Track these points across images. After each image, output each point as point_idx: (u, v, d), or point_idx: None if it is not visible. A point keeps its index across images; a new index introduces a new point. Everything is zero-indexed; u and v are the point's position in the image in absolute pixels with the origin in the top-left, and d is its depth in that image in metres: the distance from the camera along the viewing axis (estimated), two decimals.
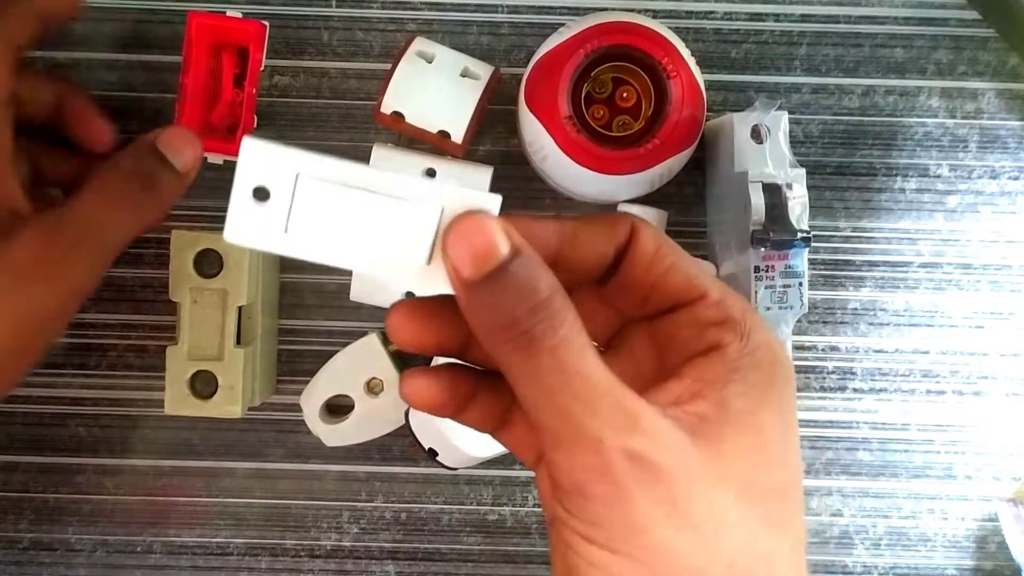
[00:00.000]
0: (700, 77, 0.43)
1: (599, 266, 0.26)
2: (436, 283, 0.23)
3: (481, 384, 0.27)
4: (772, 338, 0.25)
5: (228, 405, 0.44)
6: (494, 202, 0.23)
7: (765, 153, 0.44)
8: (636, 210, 0.47)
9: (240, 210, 0.23)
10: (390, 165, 0.47)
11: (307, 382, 0.49)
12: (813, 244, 0.45)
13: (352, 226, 0.23)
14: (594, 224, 0.26)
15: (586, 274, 0.26)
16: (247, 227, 0.23)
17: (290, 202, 0.23)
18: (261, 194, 0.23)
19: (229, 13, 0.44)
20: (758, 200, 0.43)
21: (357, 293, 0.48)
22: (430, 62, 0.45)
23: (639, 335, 0.27)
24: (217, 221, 0.49)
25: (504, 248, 0.22)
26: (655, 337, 0.27)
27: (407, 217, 0.23)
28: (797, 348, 0.50)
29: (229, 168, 0.47)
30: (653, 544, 0.22)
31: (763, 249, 0.43)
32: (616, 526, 0.22)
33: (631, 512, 0.22)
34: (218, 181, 0.49)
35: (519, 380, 0.23)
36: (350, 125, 0.49)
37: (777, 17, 0.50)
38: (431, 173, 0.47)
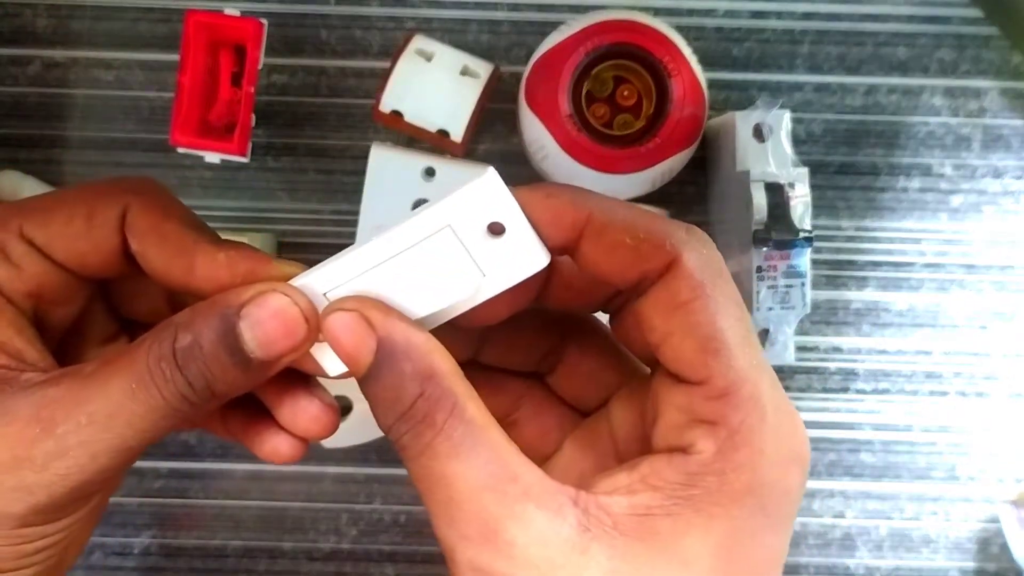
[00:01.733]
0: (702, 75, 0.43)
1: (623, 283, 0.23)
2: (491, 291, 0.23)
3: (480, 382, 0.24)
4: (768, 460, 0.21)
5: None
6: (491, 179, 0.22)
7: (767, 152, 0.43)
8: None
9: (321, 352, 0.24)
10: (389, 164, 0.47)
11: None
12: (815, 244, 0.44)
13: (399, 291, 0.22)
14: (614, 235, 0.22)
15: (612, 284, 0.23)
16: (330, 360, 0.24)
17: None
18: None
19: (227, 11, 0.44)
20: (760, 199, 0.42)
21: None
22: (429, 60, 0.45)
23: (650, 389, 0.24)
24: (214, 221, 0.48)
25: (366, 354, 0.22)
26: (653, 402, 0.23)
27: (432, 254, 0.22)
28: (799, 349, 0.49)
29: (228, 168, 0.46)
30: None
31: (765, 249, 0.43)
32: None
33: None
34: (217, 180, 0.49)
35: (413, 461, 0.22)
36: (349, 124, 0.49)
37: (779, 15, 0.49)
38: (430, 172, 0.47)
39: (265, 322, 0.22)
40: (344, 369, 0.24)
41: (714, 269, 0.21)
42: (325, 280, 0.23)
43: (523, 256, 0.22)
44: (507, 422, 0.27)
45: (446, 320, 0.23)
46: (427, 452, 0.21)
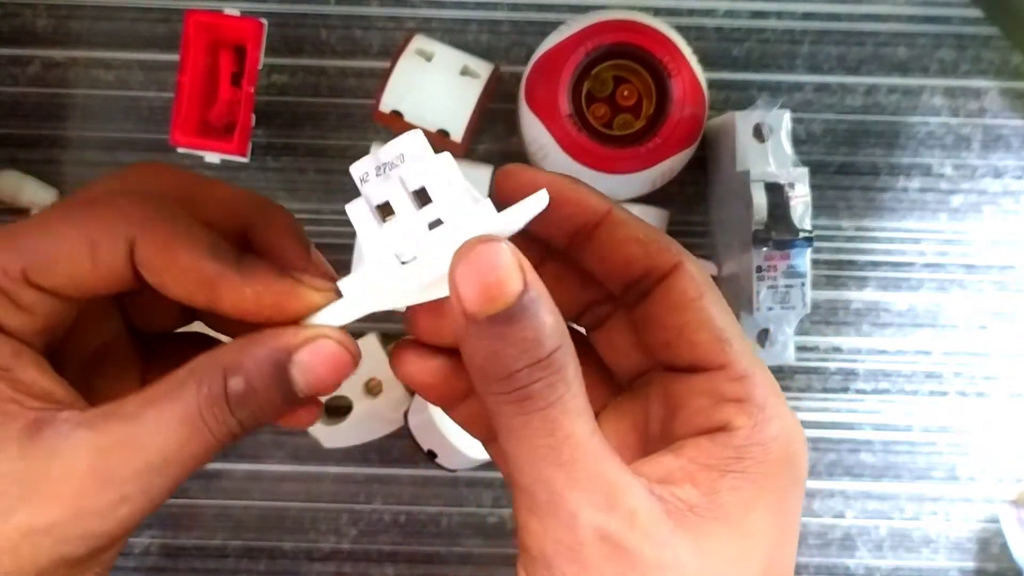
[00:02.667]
0: (702, 75, 0.43)
1: (626, 276, 0.24)
2: (435, 293, 0.23)
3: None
4: (793, 431, 0.23)
5: None
6: (487, 209, 0.22)
7: (767, 152, 0.43)
8: (637, 210, 0.47)
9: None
10: None
11: None
12: (815, 244, 0.44)
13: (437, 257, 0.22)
14: (629, 230, 0.24)
15: (613, 276, 0.24)
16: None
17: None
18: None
19: (227, 11, 0.44)
20: (760, 199, 0.42)
21: None
22: (429, 60, 0.45)
23: (660, 384, 0.25)
24: None
25: (515, 287, 0.20)
26: (670, 396, 0.24)
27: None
28: (799, 349, 0.49)
29: (228, 168, 0.46)
30: None
31: (765, 249, 0.43)
32: None
33: None
34: None
35: (505, 435, 0.21)
36: (349, 124, 0.49)
37: (779, 15, 0.49)
38: None
39: (317, 367, 0.23)
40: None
41: (708, 276, 0.24)
42: (358, 302, 0.23)
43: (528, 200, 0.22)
44: None
45: None
46: (558, 405, 0.21)
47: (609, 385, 0.27)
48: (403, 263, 0.22)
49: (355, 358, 0.24)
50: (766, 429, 0.22)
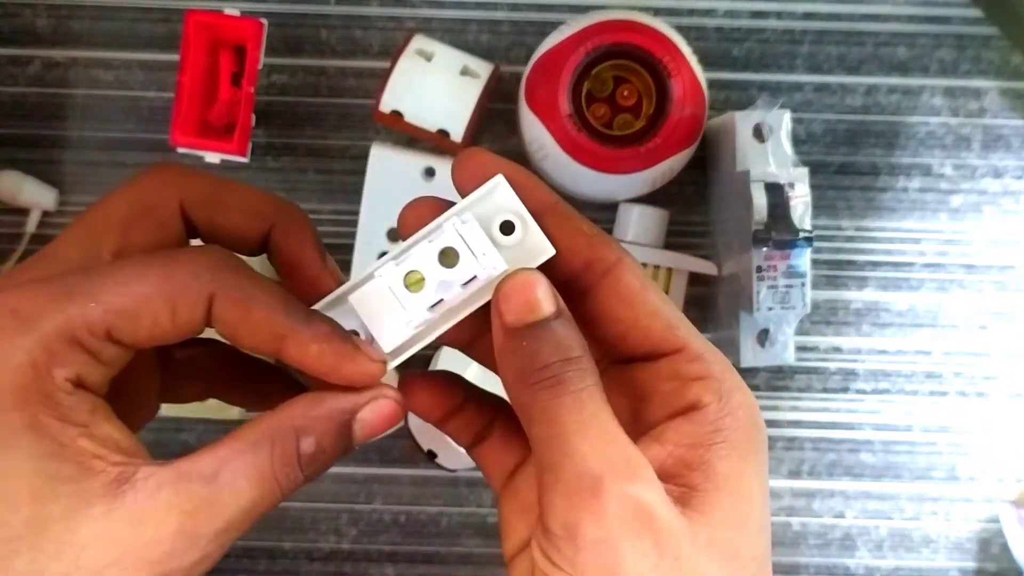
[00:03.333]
0: (702, 75, 0.43)
1: (569, 267, 0.25)
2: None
3: (470, 398, 0.29)
4: (750, 398, 0.25)
5: (225, 406, 0.44)
6: (501, 183, 0.25)
7: (767, 152, 0.43)
8: (637, 210, 0.47)
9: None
10: (389, 164, 0.47)
11: None
12: (815, 244, 0.44)
13: (457, 298, 0.25)
14: (575, 222, 0.25)
15: (557, 266, 0.25)
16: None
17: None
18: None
19: (227, 11, 0.44)
20: (760, 199, 0.42)
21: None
22: (429, 60, 0.45)
23: (614, 380, 0.26)
24: None
25: (549, 307, 0.23)
26: (631, 386, 0.26)
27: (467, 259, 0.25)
28: (799, 349, 0.49)
29: (228, 168, 0.46)
30: None
31: (765, 249, 0.43)
32: (600, 573, 0.22)
33: (618, 560, 0.22)
34: None
35: (536, 418, 0.23)
36: (349, 124, 0.49)
37: (779, 15, 0.49)
38: (430, 172, 0.47)
39: (376, 423, 0.26)
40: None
41: (643, 270, 0.26)
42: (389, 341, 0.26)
43: (533, 249, 0.25)
44: None
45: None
46: (587, 391, 0.23)
47: (523, 445, 0.29)
48: (431, 307, 0.25)
49: (406, 410, 0.27)
50: (731, 399, 0.24)
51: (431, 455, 0.47)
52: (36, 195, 0.48)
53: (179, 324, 0.24)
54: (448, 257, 0.24)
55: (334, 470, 0.50)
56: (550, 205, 0.25)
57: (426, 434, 0.46)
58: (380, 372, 0.26)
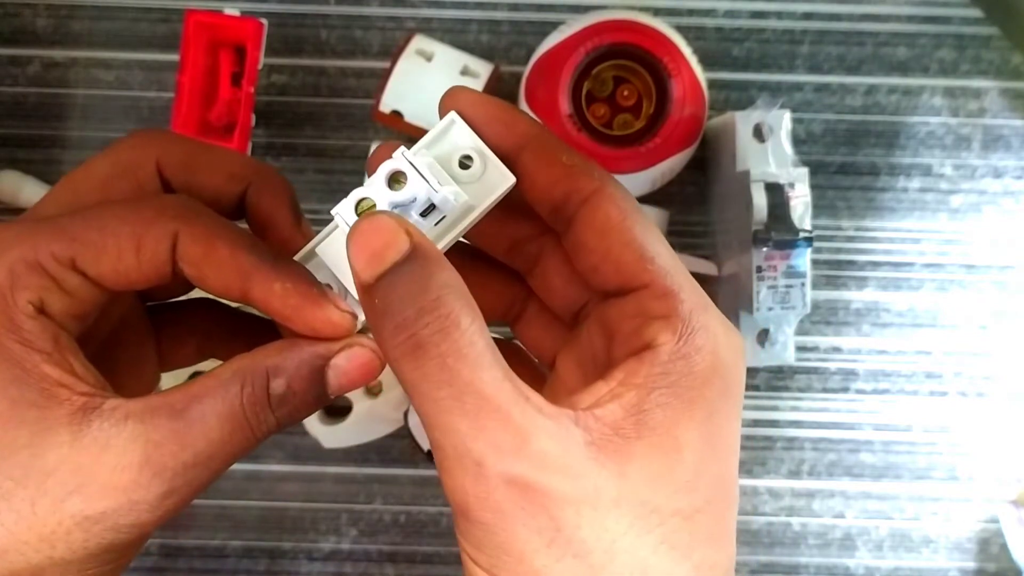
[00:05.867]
0: (702, 75, 0.43)
1: (549, 199, 0.25)
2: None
3: (495, 271, 0.28)
4: (723, 344, 0.23)
5: None
6: (455, 120, 0.24)
7: (767, 152, 0.43)
8: None
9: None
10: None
11: None
12: (815, 244, 0.44)
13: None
14: (553, 153, 0.24)
15: (539, 199, 0.25)
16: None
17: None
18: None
19: (227, 11, 0.44)
20: (760, 199, 0.42)
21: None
22: (429, 60, 0.45)
23: (596, 314, 0.26)
24: None
25: (399, 248, 0.21)
26: (605, 321, 0.25)
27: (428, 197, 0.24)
28: (799, 349, 0.49)
29: None
30: (534, 572, 0.21)
31: (765, 249, 0.43)
32: (497, 553, 0.21)
33: (511, 540, 0.21)
34: None
35: (410, 392, 0.22)
36: (348, 124, 0.49)
37: (779, 15, 0.49)
38: None
39: (351, 371, 0.25)
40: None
41: (632, 200, 0.24)
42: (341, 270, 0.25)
43: (494, 180, 0.24)
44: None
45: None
46: (453, 354, 0.21)
47: (558, 328, 0.28)
48: None
49: (383, 363, 0.25)
50: (691, 341, 0.22)
51: (431, 455, 0.47)
52: (36, 195, 0.48)
53: (144, 260, 0.25)
54: (398, 182, 0.23)
55: (334, 470, 0.50)
56: (530, 137, 0.25)
57: (426, 434, 0.46)
58: (347, 324, 0.25)
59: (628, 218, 0.24)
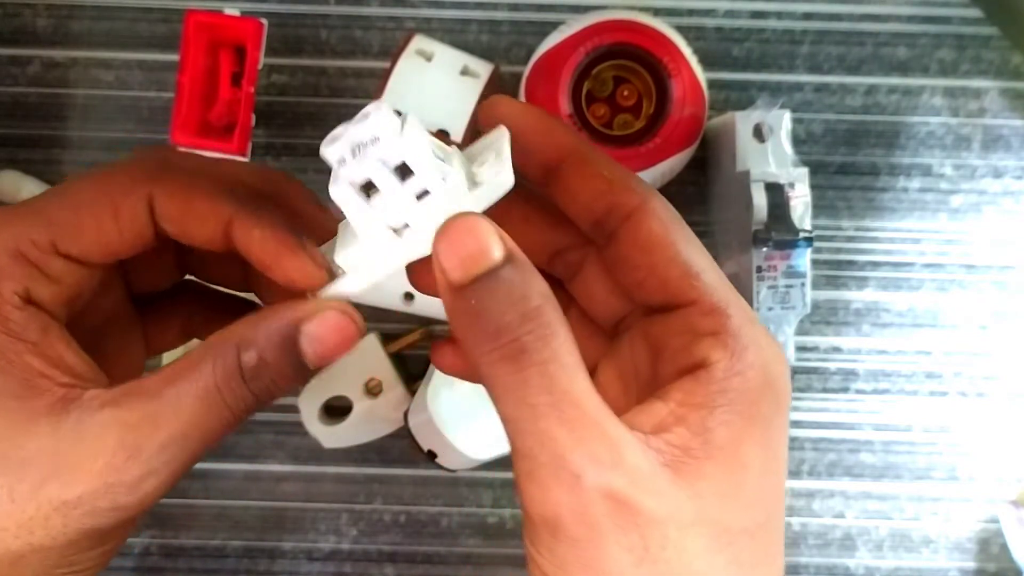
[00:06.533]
0: (702, 75, 0.43)
1: (592, 213, 0.24)
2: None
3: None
4: (771, 357, 0.23)
5: None
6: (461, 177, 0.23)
7: (767, 152, 0.43)
8: None
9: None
10: None
11: None
12: (815, 244, 0.44)
13: (421, 229, 0.23)
14: (594, 167, 0.24)
15: (581, 212, 0.24)
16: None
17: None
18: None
19: (227, 11, 0.44)
20: (760, 200, 0.42)
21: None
22: (429, 60, 0.45)
23: (640, 328, 0.25)
24: None
25: (497, 253, 0.21)
26: (651, 339, 0.25)
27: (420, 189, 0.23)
28: (799, 349, 0.49)
29: None
30: None
31: (765, 249, 0.43)
32: (583, 571, 0.21)
33: (601, 558, 0.21)
34: None
35: (502, 397, 0.21)
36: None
37: (779, 15, 0.49)
38: None
39: (325, 337, 0.24)
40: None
41: (674, 214, 0.24)
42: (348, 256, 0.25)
43: (499, 179, 0.23)
44: None
45: None
46: (554, 361, 0.21)
47: (599, 338, 0.27)
48: (396, 232, 0.23)
49: (360, 329, 0.25)
50: (743, 358, 0.22)
51: (431, 455, 0.47)
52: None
53: (124, 228, 0.25)
54: (403, 172, 0.23)
55: (334, 470, 0.50)
56: (570, 150, 0.24)
57: (426, 434, 0.46)
58: (320, 277, 0.25)
59: (672, 233, 0.23)
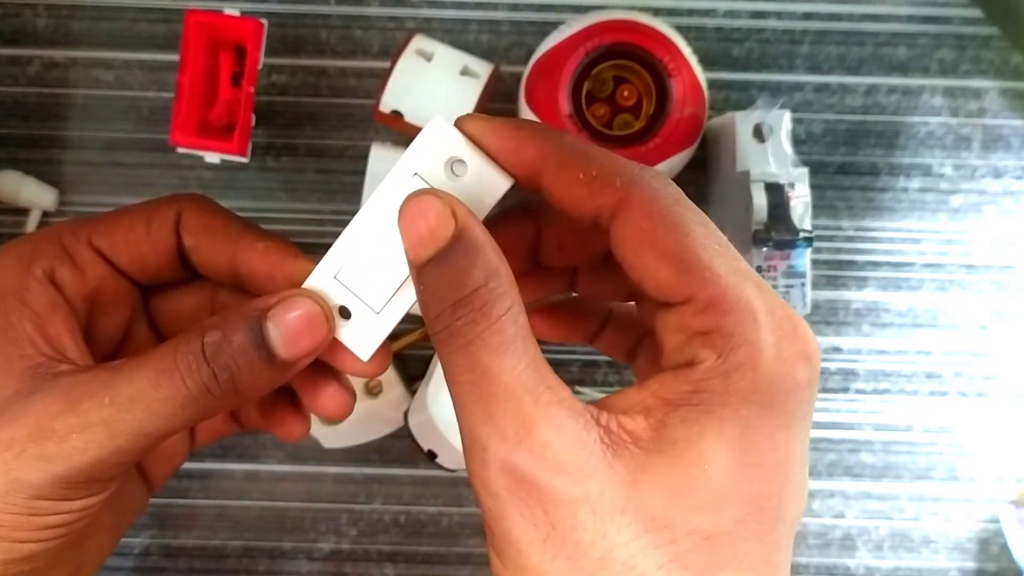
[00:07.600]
0: (702, 75, 0.43)
1: (580, 219, 0.23)
2: None
3: (609, 319, 0.29)
4: (768, 357, 0.21)
5: None
6: (439, 123, 0.24)
7: (767, 152, 0.43)
8: None
9: (348, 337, 0.26)
10: (389, 164, 0.47)
11: None
12: (815, 244, 0.44)
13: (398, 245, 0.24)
14: (571, 171, 0.23)
15: (573, 219, 0.24)
16: (363, 340, 0.26)
17: (355, 295, 0.26)
18: (344, 312, 0.26)
19: (227, 11, 0.44)
20: (760, 200, 0.42)
21: None
22: (429, 60, 0.45)
23: (650, 315, 0.25)
24: None
25: (446, 231, 0.21)
26: (654, 328, 0.24)
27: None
28: None
29: (228, 168, 0.46)
30: (530, 567, 0.21)
31: (765, 249, 0.43)
32: (502, 542, 0.21)
33: (511, 530, 0.21)
34: (216, 181, 0.49)
35: (447, 379, 0.22)
36: (348, 124, 0.49)
37: (779, 15, 0.49)
38: None
39: (290, 321, 0.25)
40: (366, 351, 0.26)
41: (670, 198, 0.23)
42: (331, 264, 0.25)
43: (489, 183, 0.24)
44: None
45: None
46: (477, 342, 0.21)
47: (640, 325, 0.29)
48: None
49: (328, 317, 0.25)
50: (731, 359, 0.21)
51: (431, 455, 0.47)
52: (36, 195, 0.48)
53: (153, 234, 0.27)
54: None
55: (334, 470, 0.50)
56: (544, 159, 0.23)
57: (426, 434, 0.46)
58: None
59: (659, 225, 0.22)
